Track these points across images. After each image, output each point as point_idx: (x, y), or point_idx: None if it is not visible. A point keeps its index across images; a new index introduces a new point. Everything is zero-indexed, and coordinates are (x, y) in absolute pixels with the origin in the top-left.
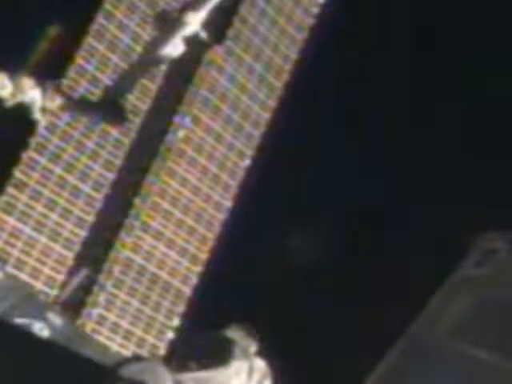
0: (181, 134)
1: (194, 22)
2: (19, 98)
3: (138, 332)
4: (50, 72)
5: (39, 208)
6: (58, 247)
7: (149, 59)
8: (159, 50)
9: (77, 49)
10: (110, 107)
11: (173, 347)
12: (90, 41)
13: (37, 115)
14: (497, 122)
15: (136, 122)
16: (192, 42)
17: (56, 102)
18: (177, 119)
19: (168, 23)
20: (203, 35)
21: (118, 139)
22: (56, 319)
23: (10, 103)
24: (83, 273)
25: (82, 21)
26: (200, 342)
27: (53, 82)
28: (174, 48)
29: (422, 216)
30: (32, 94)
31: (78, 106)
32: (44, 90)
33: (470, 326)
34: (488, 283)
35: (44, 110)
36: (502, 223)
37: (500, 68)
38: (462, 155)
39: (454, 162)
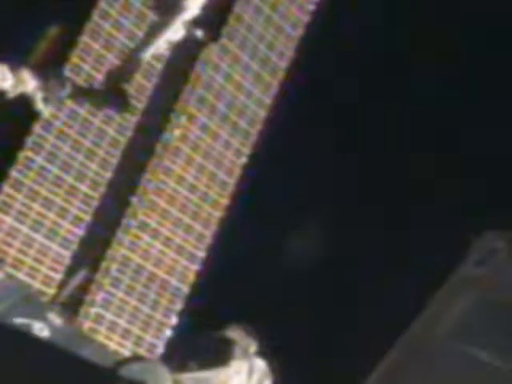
0: (177, 132)
1: (194, 6)
2: (20, 90)
3: (136, 330)
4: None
5: (36, 207)
6: (55, 246)
7: (150, 44)
8: (159, 35)
9: (72, 48)
10: (112, 92)
11: (171, 346)
12: (85, 40)
13: (39, 106)
14: (496, 120)
15: (132, 120)
16: (187, 40)
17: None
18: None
19: (167, 8)
20: (198, 33)
21: (114, 138)
22: (56, 319)
23: (11, 95)
24: (82, 273)
25: (77, 20)
26: (200, 342)
27: (52, 71)
28: (175, 33)
29: (422, 216)
30: (33, 84)
31: (81, 92)
32: (45, 81)
33: (470, 326)
34: (488, 283)
35: (47, 100)
36: (502, 223)
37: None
38: (461, 155)
39: (454, 161)
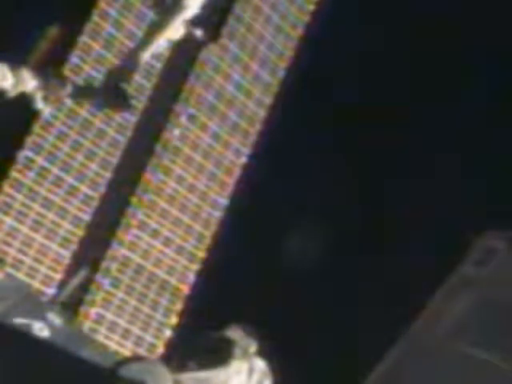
0: (177, 132)
1: (194, 5)
2: (20, 89)
3: (136, 330)
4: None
5: (36, 207)
6: (54, 246)
7: (149, 43)
8: (159, 34)
9: (72, 48)
10: (112, 91)
11: (171, 346)
12: (85, 40)
13: (39, 106)
14: (495, 121)
15: (132, 120)
16: (187, 40)
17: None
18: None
19: (167, 7)
20: (198, 33)
21: (114, 138)
22: (56, 319)
23: (11, 94)
24: (82, 274)
25: (77, 20)
26: (200, 342)
27: (52, 71)
28: (175, 32)
29: (421, 216)
30: (33, 84)
31: (81, 91)
32: (45, 79)
33: (470, 326)
34: (488, 283)
35: (46, 100)
36: (502, 223)
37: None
38: (461, 154)
39: (454, 161)
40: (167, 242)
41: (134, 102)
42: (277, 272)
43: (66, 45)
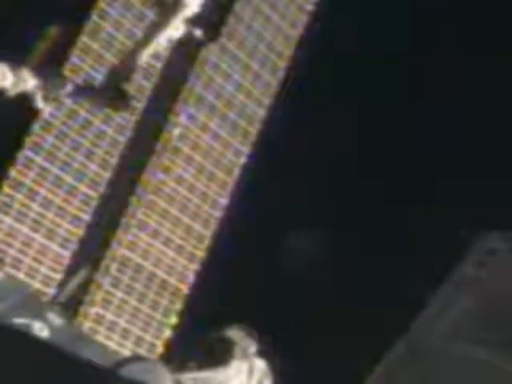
0: (177, 131)
1: (194, 3)
2: (20, 89)
3: (136, 330)
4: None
5: (36, 207)
6: (54, 246)
7: (149, 42)
8: (159, 33)
9: (72, 48)
10: (112, 91)
11: (171, 346)
12: (85, 40)
13: (39, 105)
14: (496, 120)
15: (132, 120)
16: (187, 40)
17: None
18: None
19: (167, 5)
20: (198, 33)
21: (113, 138)
22: (56, 319)
23: (11, 93)
24: (82, 274)
25: (77, 20)
26: (200, 342)
27: (52, 70)
28: (175, 30)
29: (421, 216)
30: (33, 83)
31: (81, 91)
32: (45, 80)
33: (470, 326)
34: (488, 283)
35: (46, 99)
36: (502, 223)
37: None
38: (461, 154)
39: (453, 161)
40: (167, 241)
41: (133, 101)
42: (277, 272)
43: (66, 45)
